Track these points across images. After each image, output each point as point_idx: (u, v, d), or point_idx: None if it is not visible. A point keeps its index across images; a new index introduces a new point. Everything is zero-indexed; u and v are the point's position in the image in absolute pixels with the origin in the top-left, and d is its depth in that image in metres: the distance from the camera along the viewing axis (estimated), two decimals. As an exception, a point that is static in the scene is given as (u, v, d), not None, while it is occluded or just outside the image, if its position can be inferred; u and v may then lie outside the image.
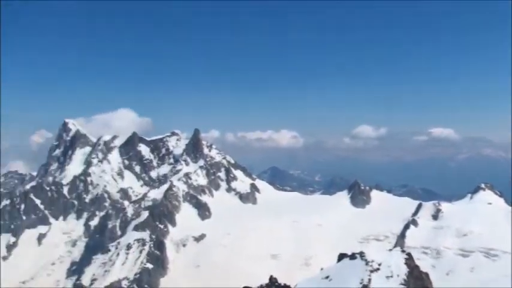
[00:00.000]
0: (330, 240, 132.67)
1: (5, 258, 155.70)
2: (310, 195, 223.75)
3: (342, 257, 38.43)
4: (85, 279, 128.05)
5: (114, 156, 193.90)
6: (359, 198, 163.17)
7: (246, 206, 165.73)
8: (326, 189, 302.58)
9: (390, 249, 38.59)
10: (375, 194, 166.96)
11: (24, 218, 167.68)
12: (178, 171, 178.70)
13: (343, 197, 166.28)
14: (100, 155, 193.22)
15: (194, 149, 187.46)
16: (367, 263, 35.45)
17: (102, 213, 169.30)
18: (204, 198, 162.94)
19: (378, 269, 34.52)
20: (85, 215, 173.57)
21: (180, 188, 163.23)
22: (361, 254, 36.58)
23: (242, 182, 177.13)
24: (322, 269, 38.27)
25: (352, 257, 36.87)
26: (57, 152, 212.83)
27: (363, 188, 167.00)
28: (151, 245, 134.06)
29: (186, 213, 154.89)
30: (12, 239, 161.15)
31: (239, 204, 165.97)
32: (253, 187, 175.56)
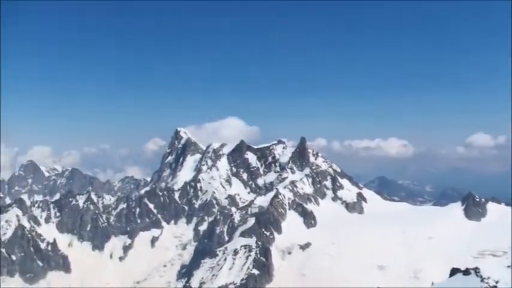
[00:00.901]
0: (441, 254, 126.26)
1: (121, 258, 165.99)
2: (420, 206, 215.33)
3: (454, 272, 36.50)
4: (194, 282, 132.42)
5: (223, 164, 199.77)
6: (474, 210, 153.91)
7: (352, 215, 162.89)
8: (437, 201, 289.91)
9: (509, 266, 36.09)
10: (491, 206, 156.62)
11: (139, 221, 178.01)
12: (284, 179, 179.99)
13: (456, 209, 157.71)
14: (209, 162, 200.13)
15: (300, 157, 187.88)
16: (482, 279, 33.37)
17: (210, 219, 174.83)
18: (310, 206, 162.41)
19: (495, 286, 32.33)
20: (194, 219, 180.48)
21: (286, 195, 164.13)
22: (476, 270, 34.48)
23: (348, 191, 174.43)
24: (432, 283, 36.62)
25: (466, 272, 34.86)
26: (170, 158, 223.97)
27: (478, 199, 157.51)
28: (258, 252, 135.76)
29: (291, 221, 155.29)
30: (128, 241, 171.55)
31: (345, 214, 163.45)
32: (360, 196, 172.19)
